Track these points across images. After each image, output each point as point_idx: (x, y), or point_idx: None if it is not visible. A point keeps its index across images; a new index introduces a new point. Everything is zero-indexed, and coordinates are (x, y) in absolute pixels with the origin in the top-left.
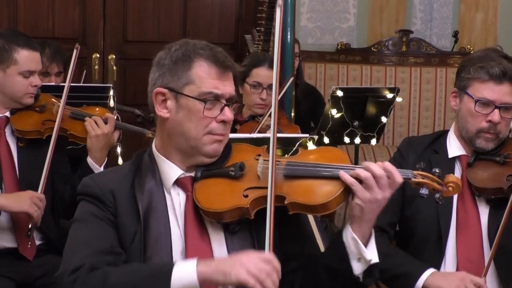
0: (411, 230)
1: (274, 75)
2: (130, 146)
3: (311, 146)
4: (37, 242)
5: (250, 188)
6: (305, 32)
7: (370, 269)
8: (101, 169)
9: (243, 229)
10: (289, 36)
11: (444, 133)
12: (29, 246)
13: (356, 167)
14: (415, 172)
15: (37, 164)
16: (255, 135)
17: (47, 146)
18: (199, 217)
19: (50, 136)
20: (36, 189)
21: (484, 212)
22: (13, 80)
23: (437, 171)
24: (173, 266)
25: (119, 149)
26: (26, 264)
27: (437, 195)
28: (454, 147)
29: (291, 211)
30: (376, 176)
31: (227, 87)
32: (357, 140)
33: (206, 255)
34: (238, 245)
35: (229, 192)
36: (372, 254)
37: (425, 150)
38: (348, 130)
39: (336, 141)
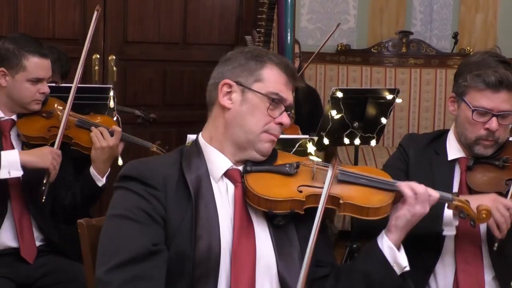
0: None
1: None
2: (129, 145)
3: (310, 147)
4: (38, 243)
5: (304, 185)
6: (305, 33)
7: (404, 276)
8: (104, 180)
9: (287, 224)
10: (289, 37)
11: (445, 132)
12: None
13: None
14: (454, 196)
15: (40, 171)
16: (293, 136)
17: None
18: (246, 209)
19: (55, 142)
20: (38, 193)
21: None
22: (21, 86)
23: (467, 201)
24: None
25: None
26: (27, 265)
27: (471, 219)
28: (454, 150)
29: (341, 212)
30: (420, 193)
31: (289, 96)
32: (357, 141)
33: (250, 246)
34: (281, 238)
35: (284, 185)
36: (405, 260)
37: (425, 148)
38: (348, 131)
39: (336, 142)
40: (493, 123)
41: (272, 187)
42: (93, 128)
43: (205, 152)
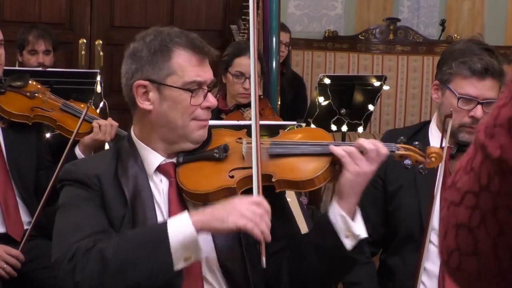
0: (394, 225)
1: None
2: None
3: None
4: (26, 227)
5: (236, 169)
6: (292, 20)
7: (360, 244)
8: None
9: None
10: (274, 40)
11: (426, 124)
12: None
13: (341, 143)
14: (398, 145)
15: (24, 149)
16: (238, 122)
17: (33, 133)
18: (183, 202)
19: (36, 123)
20: (24, 175)
21: None
22: None
23: (417, 143)
24: (167, 223)
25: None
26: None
27: (420, 166)
28: (437, 139)
29: (278, 189)
30: (366, 149)
31: (207, 73)
32: (344, 128)
33: None
34: None
35: (215, 174)
36: (360, 229)
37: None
38: (335, 118)
39: (323, 129)
40: (478, 111)
41: (203, 179)
42: (98, 121)
43: (138, 148)
